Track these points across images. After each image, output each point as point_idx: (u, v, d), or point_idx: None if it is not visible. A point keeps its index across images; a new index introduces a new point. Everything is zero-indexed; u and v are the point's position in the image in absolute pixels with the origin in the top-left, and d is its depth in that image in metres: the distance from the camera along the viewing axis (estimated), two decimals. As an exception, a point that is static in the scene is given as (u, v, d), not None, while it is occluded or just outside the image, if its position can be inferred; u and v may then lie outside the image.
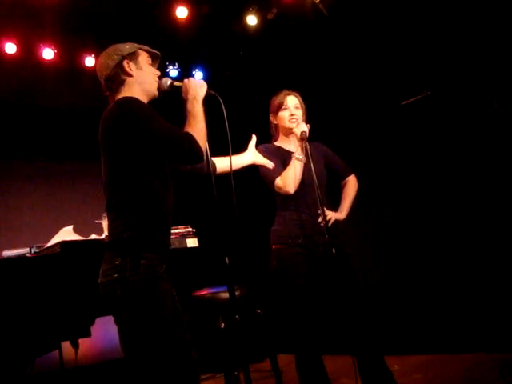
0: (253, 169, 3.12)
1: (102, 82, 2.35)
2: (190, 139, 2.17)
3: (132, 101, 2.19)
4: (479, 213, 4.27)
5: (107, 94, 2.36)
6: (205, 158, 2.26)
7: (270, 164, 2.91)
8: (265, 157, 3.08)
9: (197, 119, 2.26)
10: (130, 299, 2.06)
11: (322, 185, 3.08)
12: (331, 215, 3.13)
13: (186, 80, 2.39)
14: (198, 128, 2.23)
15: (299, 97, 3.25)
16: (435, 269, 4.52)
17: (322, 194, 3.05)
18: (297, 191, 3.00)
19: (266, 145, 3.22)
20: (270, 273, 3.10)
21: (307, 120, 3.22)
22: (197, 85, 2.36)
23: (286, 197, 3.03)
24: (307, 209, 3.05)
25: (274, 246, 3.11)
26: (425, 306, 4.55)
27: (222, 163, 2.61)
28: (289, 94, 3.22)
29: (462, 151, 4.38)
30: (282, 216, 3.12)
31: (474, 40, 4.23)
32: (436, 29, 4.44)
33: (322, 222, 2.96)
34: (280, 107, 3.19)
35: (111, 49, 2.36)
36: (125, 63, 2.31)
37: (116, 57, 2.31)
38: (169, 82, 2.42)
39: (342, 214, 3.23)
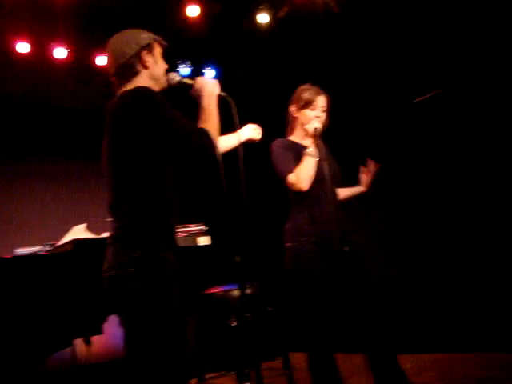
0: (266, 165, 3.12)
1: (114, 68, 2.27)
2: (208, 135, 2.15)
3: (150, 90, 2.15)
4: (492, 210, 4.24)
5: (114, 80, 2.29)
6: (217, 155, 2.24)
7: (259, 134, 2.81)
8: (279, 152, 3.07)
9: (212, 116, 2.24)
10: (150, 294, 2.01)
11: (336, 181, 3.07)
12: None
13: (199, 77, 2.38)
14: (213, 124, 2.21)
15: (328, 99, 3.16)
16: (450, 267, 4.50)
17: (335, 190, 3.04)
18: (310, 188, 2.97)
19: (281, 139, 3.19)
20: (284, 271, 3.09)
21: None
22: (212, 83, 2.35)
23: (299, 193, 2.98)
24: (320, 205, 3.02)
25: (287, 244, 3.09)
26: (438, 304, 4.53)
27: (223, 143, 2.56)
28: (320, 94, 3.13)
29: (475, 149, 4.36)
30: (296, 213, 3.10)
31: (486, 38, 4.20)
32: (448, 27, 4.42)
33: (335, 218, 2.93)
34: (308, 104, 3.11)
35: (128, 35, 2.28)
36: (143, 54, 2.25)
37: (135, 46, 2.24)
38: (178, 78, 2.40)
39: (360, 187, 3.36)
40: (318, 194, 3.00)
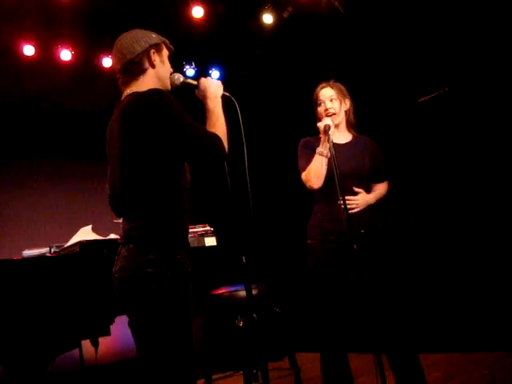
0: (271, 165, 3.12)
1: (121, 64, 2.27)
2: (219, 141, 2.16)
3: (164, 93, 2.15)
4: (500, 210, 4.23)
5: (119, 77, 2.29)
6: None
7: None
8: (300, 151, 3.11)
9: (219, 119, 2.25)
10: (165, 295, 2.03)
11: (355, 177, 3.04)
12: (362, 195, 3.05)
13: (203, 78, 2.38)
14: (222, 128, 2.23)
15: (336, 86, 3.15)
16: (455, 266, 4.49)
17: (361, 186, 3.04)
18: (327, 185, 2.93)
19: (306, 138, 3.18)
20: (305, 269, 3.09)
21: (353, 106, 3.18)
22: (215, 84, 2.35)
23: (319, 191, 2.99)
24: (336, 203, 3.00)
25: (308, 242, 3.09)
26: (442, 303, 4.51)
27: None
28: (323, 87, 3.14)
29: (481, 148, 4.34)
30: (316, 211, 3.09)
31: (492, 35, 4.19)
32: (454, 25, 4.41)
33: (344, 214, 2.92)
34: (316, 102, 3.14)
35: (138, 33, 2.29)
36: (152, 53, 2.26)
37: (144, 44, 2.25)
38: (181, 78, 2.40)
39: (369, 196, 3.11)
40: (334, 191, 2.99)
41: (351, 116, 3.21)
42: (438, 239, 4.64)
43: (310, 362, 3.06)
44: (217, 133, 2.18)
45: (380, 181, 3.24)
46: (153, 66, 2.28)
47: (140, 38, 2.27)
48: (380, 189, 3.23)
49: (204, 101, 2.32)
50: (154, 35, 2.32)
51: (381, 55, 4.93)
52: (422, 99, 4.68)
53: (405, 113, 4.83)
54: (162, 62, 2.32)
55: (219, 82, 2.38)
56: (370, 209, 3.09)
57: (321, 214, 3.05)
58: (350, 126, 3.22)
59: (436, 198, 4.65)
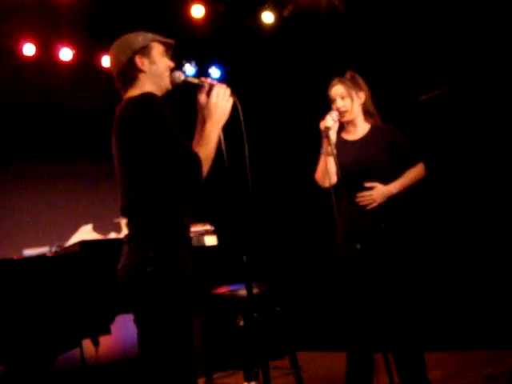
0: (273, 164, 3.12)
1: (114, 75, 2.29)
2: (198, 161, 2.11)
3: (154, 100, 2.13)
4: (499, 211, 4.23)
5: (118, 86, 2.30)
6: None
7: None
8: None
9: (211, 144, 2.19)
10: (163, 294, 2.03)
11: (372, 171, 3.02)
12: (376, 189, 3.00)
13: (215, 97, 2.28)
14: (209, 152, 2.17)
15: (346, 81, 3.14)
16: (455, 264, 4.48)
17: (377, 180, 3.00)
18: (341, 183, 2.87)
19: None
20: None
21: (370, 96, 3.17)
22: (224, 108, 2.28)
23: (336, 189, 2.89)
24: (346, 200, 2.97)
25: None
26: (444, 301, 4.51)
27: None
28: (334, 85, 3.13)
29: (481, 147, 4.34)
30: (339, 210, 2.98)
31: (492, 34, 4.18)
32: (453, 24, 4.41)
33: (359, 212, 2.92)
34: (330, 100, 3.12)
35: (123, 41, 2.28)
36: (137, 59, 2.23)
37: (128, 51, 2.23)
38: (182, 77, 2.35)
39: (389, 186, 3.03)
40: (351, 187, 2.98)
41: (368, 106, 3.18)
42: (438, 238, 4.64)
43: (310, 361, 3.06)
44: (200, 154, 2.12)
45: (410, 165, 3.13)
46: (142, 71, 2.25)
47: (125, 45, 2.26)
48: (410, 173, 3.12)
49: (205, 119, 2.27)
50: (140, 38, 2.27)
51: (381, 54, 4.93)
52: (422, 98, 4.68)
53: (405, 112, 4.82)
54: (153, 61, 2.27)
55: (227, 109, 2.29)
56: (392, 200, 3.03)
57: (340, 213, 2.97)
58: (369, 116, 3.19)
59: (436, 197, 4.65)
